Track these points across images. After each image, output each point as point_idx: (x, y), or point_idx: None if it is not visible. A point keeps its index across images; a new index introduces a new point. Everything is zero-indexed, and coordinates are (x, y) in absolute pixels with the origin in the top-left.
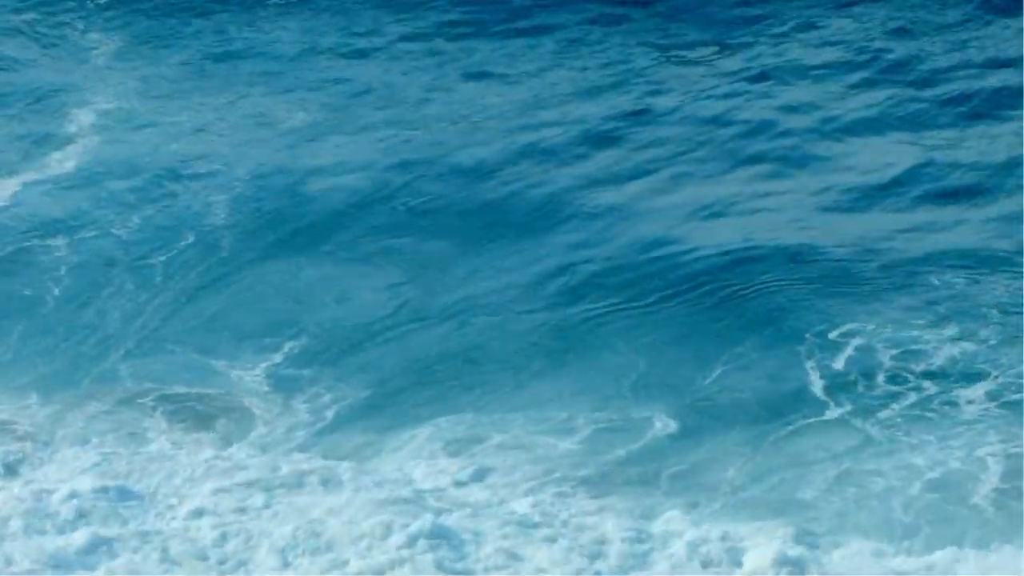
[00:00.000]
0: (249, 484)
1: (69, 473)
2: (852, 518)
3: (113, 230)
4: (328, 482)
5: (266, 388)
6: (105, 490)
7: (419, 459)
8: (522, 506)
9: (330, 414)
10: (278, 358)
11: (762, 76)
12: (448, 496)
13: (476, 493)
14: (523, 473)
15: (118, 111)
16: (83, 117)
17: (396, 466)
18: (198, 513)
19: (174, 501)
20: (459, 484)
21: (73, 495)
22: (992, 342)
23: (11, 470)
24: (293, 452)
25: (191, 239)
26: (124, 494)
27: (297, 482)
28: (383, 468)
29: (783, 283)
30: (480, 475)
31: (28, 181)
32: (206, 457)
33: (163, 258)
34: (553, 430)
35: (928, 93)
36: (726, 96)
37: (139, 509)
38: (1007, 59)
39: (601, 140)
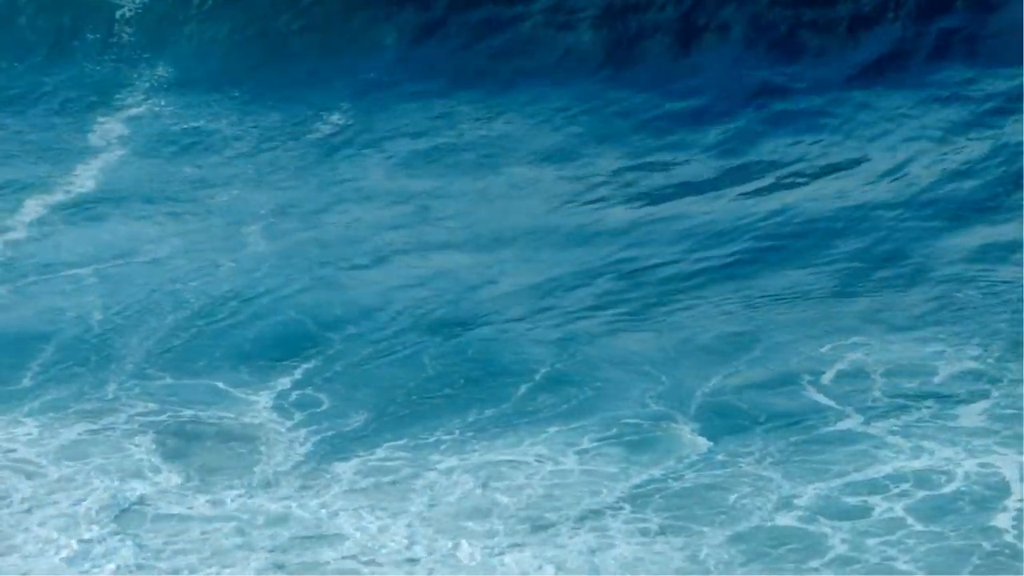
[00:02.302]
0: (228, 518)
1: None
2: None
3: (134, 256)
4: (315, 515)
5: (276, 415)
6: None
7: (413, 493)
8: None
9: (327, 440)
10: (287, 383)
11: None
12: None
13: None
14: (525, 508)
15: (145, 117)
16: (109, 126)
17: (390, 502)
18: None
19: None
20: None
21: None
22: (994, 358)
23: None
24: (283, 478)
25: (225, 264)
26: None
27: (279, 511)
28: (377, 500)
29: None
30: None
31: (52, 202)
32: (194, 485)
33: (194, 285)
34: (557, 451)
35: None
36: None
37: None
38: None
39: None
